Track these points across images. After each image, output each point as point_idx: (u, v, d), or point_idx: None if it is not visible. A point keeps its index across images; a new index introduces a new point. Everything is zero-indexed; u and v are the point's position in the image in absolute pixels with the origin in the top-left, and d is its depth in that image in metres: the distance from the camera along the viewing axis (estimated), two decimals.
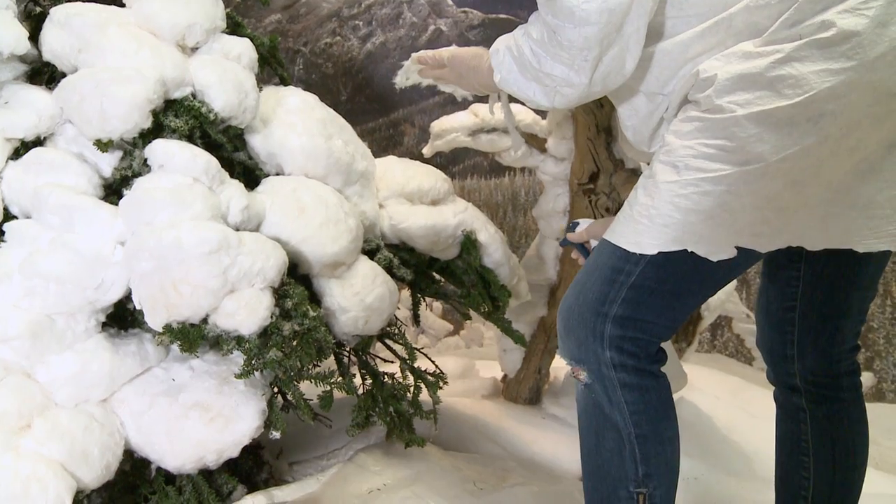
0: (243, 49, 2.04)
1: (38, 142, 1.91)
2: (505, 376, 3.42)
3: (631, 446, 1.52)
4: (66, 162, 1.84)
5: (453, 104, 2.45)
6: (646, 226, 1.42)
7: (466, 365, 3.94)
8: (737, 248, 1.41)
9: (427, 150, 2.98)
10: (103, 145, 1.81)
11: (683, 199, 1.38)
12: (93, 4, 1.98)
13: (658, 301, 1.47)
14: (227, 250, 1.67)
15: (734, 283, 3.45)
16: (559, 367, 3.43)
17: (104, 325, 1.83)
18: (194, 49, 2.02)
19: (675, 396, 1.92)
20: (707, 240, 1.39)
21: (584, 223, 1.94)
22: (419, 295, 2.37)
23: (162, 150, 1.79)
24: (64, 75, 1.93)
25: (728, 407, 3.52)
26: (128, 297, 1.79)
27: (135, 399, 1.79)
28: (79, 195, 1.78)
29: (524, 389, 3.31)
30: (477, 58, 1.80)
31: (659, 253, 1.41)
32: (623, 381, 1.48)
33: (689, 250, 1.40)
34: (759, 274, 1.87)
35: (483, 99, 2.07)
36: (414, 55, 1.98)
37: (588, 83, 1.49)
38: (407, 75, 2.02)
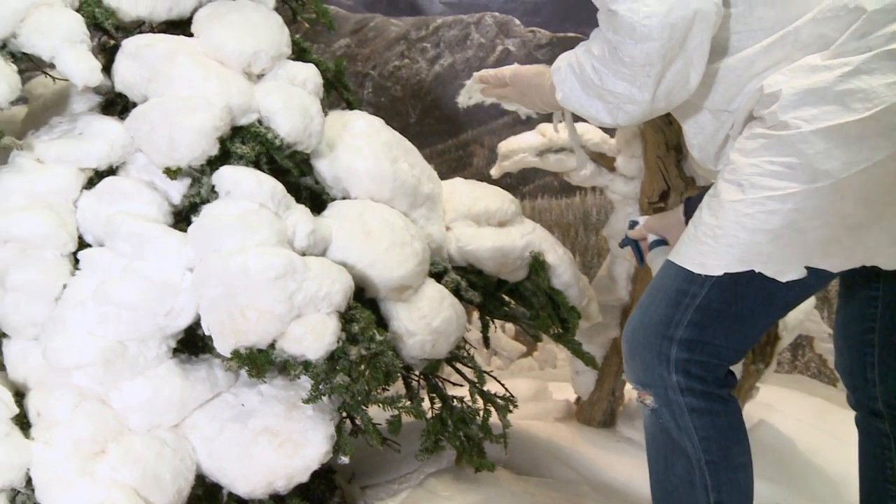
0: (308, 75, 2.06)
1: (111, 171, 1.95)
2: (578, 399, 3.37)
3: (701, 473, 1.48)
4: (138, 190, 1.87)
5: (522, 124, 2.43)
6: (711, 246, 1.39)
7: (539, 387, 3.90)
8: (807, 267, 1.36)
9: (495, 172, 2.97)
10: (172, 173, 1.84)
11: (749, 218, 1.34)
12: (162, 35, 2.03)
13: (725, 323, 1.43)
14: (293, 275, 1.68)
15: (813, 300, 3.33)
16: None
17: (175, 351, 1.85)
18: (260, 76, 2.04)
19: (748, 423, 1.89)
20: (775, 260, 1.35)
21: (643, 220, 1.90)
22: (488, 317, 2.35)
23: (229, 177, 1.81)
24: (135, 105, 1.97)
25: (811, 430, 3.41)
26: (197, 323, 1.80)
27: (205, 424, 1.80)
28: (149, 223, 1.81)
29: (598, 412, 3.25)
30: (539, 76, 1.78)
31: (725, 274, 1.37)
32: (691, 405, 1.44)
33: (757, 271, 1.35)
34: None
35: (549, 118, 2.05)
36: (476, 74, 1.97)
37: (651, 99, 1.45)
38: (469, 94, 2.01)
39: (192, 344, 1.93)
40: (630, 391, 3.37)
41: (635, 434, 3.18)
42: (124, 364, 1.75)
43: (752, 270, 1.36)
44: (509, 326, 5.72)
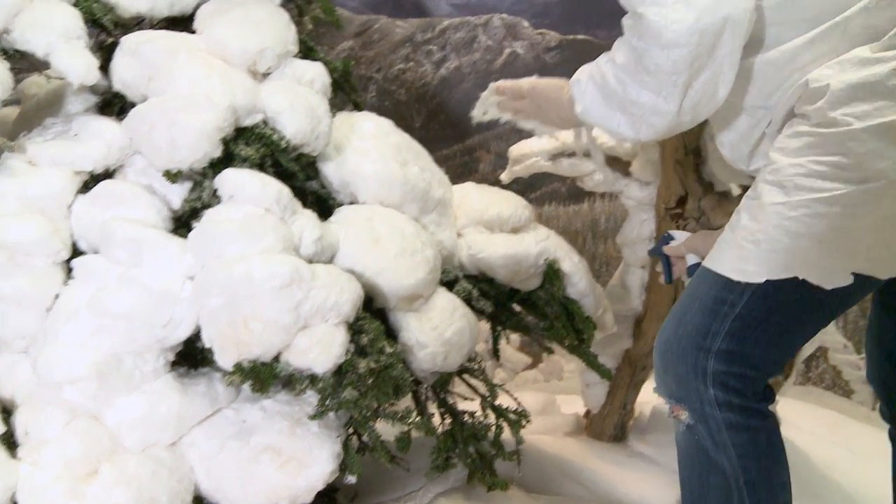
0: (316, 74, 1.98)
1: (108, 174, 1.86)
2: (588, 412, 3.28)
3: (740, 494, 1.39)
4: (135, 194, 1.79)
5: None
6: (752, 252, 1.30)
7: (546, 400, 3.79)
8: (853, 274, 1.28)
9: (505, 176, 2.88)
10: (172, 176, 1.75)
11: (793, 221, 1.26)
12: (163, 32, 1.95)
13: (766, 333, 1.34)
14: (300, 284, 1.59)
15: None
16: (645, 401, 3.27)
17: (173, 364, 1.76)
18: (265, 75, 1.96)
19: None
20: (820, 266, 1.27)
21: (680, 236, 1.80)
22: (500, 328, 2.26)
23: (232, 180, 1.73)
24: (134, 105, 1.89)
25: (827, 444, 3.31)
26: (197, 335, 1.72)
27: (205, 442, 1.72)
28: (147, 228, 1.73)
29: (609, 426, 3.16)
30: (558, 89, 1.71)
31: (766, 281, 1.29)
32: (729, 421, 1.36)
33: (801, 278, 1.27)
34: (870, 301, 1.71)
35: None
36: (492, 85, 1.90)
37: (677, 111, 1.37)
38: (485, 108, 1.95)
39: (191, 357, 1.84)
40: (641, 404, 3.29)
41: (648, 449, 3.09)
42: (119, 378, 1.66)
43: (796, 277, 1.28)
44: (514, 337, 5.61)
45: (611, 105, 1.47)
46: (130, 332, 1.65)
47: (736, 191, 2.52)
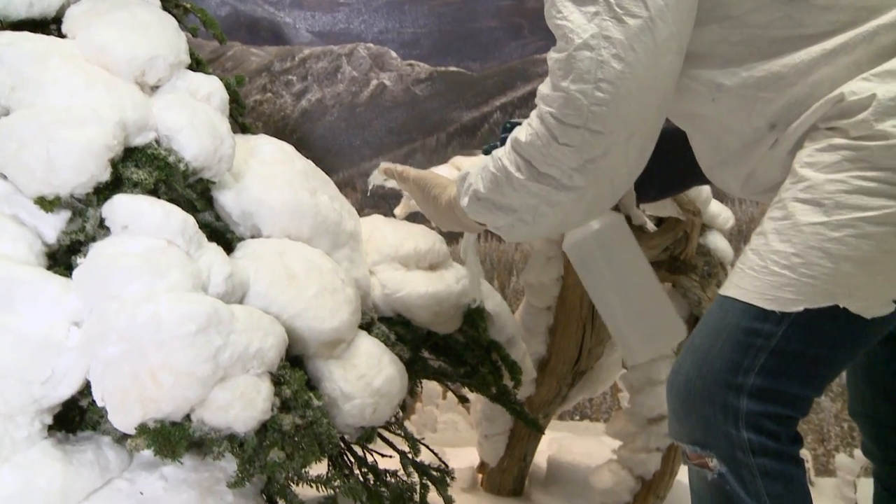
0: (213, 88, 1.80)
1: None
2: (483, 465, 3.16)
3: None
4: (0, 225, 1.54)
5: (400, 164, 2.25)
6: (787, 278, 1.23)
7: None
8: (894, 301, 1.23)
9: (399, 211, 2.75)
10: (48, 203, 1.53)
11: (836, 243, 1.19)
12: (27, 33, 1.72)
13: (804, 368, 1.27)
14: (218, 328, 1.40)
15: None
16: (540, 451, 3.19)
17: (49, 429, 1.51)
18: (154, 88, 1.76)
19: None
20: (862, 293, 1.21)
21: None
22: (416, 377, 2.11)
23: (126, 208, 1.52)
24: None
25: None
26: (81, 393, 1.49)
27: None
28: (18, 265, 1.49)
29: (508, 479, 3.05)
30: (441, 188, 1.70)
31: (805, 310, 1.22)
32: (764, 468, 1.26)
33: (842, 306, 1.21)
34: None
35: (464, 149, 1.88)
36: (382, 165, 1.90)
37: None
38: (375, 182, 1.95)
39: (67, 420, 1.59)
40: (539, 454, 3.21)
41: (551, 501, 3.00)
42: None
43: (836, 306, 1.21)
44: None
45: (502, 200, 1.46)
46: (0, 391, 1.40)
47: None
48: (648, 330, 1.73)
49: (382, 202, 2.87)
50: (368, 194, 2.04)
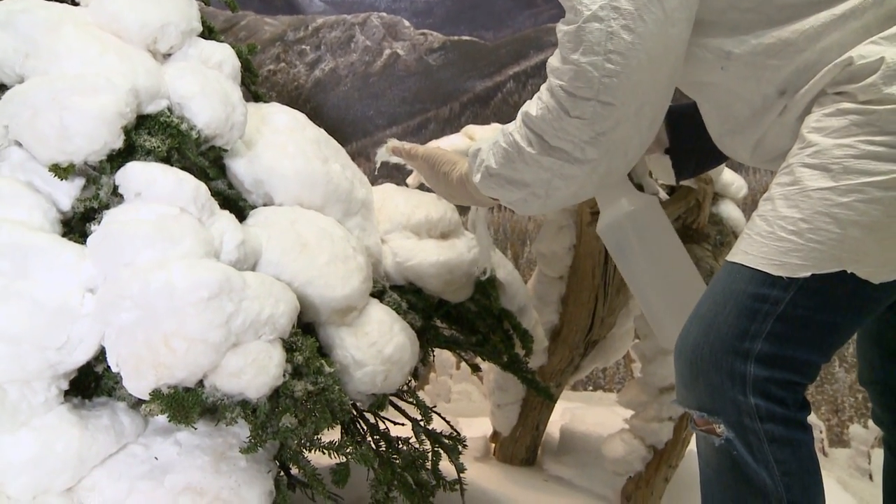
0: (224, 56, 1.81)
1: None
2: (496, 434, 3.19)
3: None
4: (15, 192, 1.56)
5: (412, 135, 2.26)
6: (794, 243, 1.23)
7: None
8: None
9: (412, 180, 2.76)
10: (62, 171, 1.54)
11: (844, 208, 1.20)
12: (41, 1, 1.73)
13: (811, 333, 1.27)
14: (230, 294, 1.42)
15: None
16: (553, 421, 3.22)
17: (66, 394, 1.54)
18: (166, 56, 1.77)
19: None
20: (870, 258, 1.21)
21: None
22: (428, 345, 2.13)
23: (140, 176, 1.54)
24: (5, 88, 1.66)
25: None
26: (96, 359, 1.51)
27: (109, 485, 1.50)
28: (34, 232, 1.51)
29: (521, 449, 3.09)
30: (450, 164, 1.72)
31: (812, 276, 1.22)
32: (771, 433, 1.27)
33: (849, 272, 1.21)
34: None
35: (478, 119, 1.89)
36: (389, 142, 1.91)
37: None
38: (381, 159, 1.96)
39: (84, 385, 1.62)
40: (553, 423, 3.23)
41: (564, 471, 3.03)
42: (3, 413, 1.44)
43: (844, 271, 1.22)
44: None
45: (514, 175, 1.47)
46: (17, 356, 1.43)
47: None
48: (683, 313, 1.74)
49: (396, 171, 2.87)
50: (375, 172, 2.04)
